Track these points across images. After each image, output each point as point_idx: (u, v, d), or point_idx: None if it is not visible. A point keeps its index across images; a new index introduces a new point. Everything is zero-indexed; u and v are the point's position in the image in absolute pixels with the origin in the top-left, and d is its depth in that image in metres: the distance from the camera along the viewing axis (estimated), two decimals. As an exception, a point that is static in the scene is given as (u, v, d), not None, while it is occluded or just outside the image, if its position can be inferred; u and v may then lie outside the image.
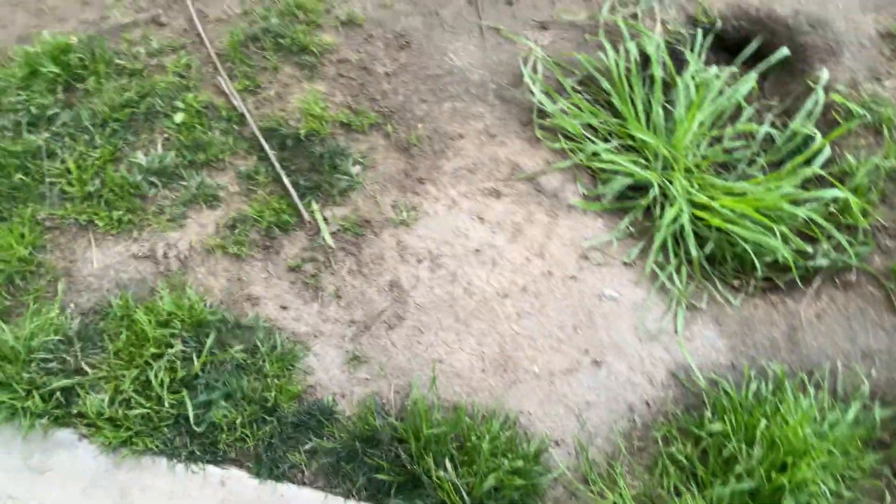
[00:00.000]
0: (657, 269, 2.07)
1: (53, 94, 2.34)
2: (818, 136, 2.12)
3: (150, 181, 2.23)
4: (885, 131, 2.19)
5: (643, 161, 2.23)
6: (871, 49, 2.34)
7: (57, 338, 1.92)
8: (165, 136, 2.30)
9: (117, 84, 2.36)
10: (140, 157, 2.26)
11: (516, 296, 2.06)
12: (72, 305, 2.03)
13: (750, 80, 2.28)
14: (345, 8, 2.46)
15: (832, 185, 2.08)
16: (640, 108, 2.28)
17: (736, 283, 2.10)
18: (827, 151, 2.12)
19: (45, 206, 2.16)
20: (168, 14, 2.47)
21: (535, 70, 2.35)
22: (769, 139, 2.31)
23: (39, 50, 2.36)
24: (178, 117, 2.31)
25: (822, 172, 2.10)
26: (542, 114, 2.31)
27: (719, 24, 2.43)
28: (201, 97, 2.33)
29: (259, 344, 1.94)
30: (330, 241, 2.15)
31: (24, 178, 2.18)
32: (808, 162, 2.16)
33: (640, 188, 2.23)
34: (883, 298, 2.05)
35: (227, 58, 2.39)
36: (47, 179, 2.20)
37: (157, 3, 2.49)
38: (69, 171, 2.20)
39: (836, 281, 2.08)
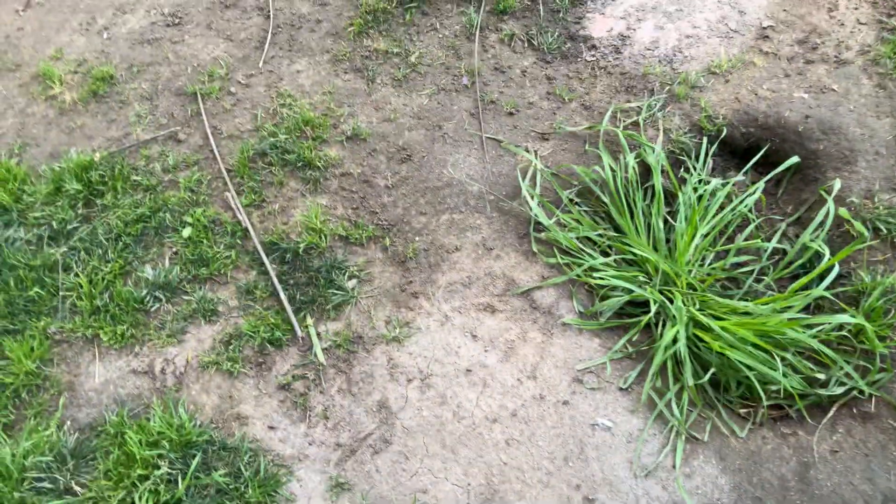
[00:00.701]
0: (655, 396, 1.97)
1: (74, 209, 2.47)
2: (827, 253, 2.00)
3: (154, 295, 2.30)
4: (904, 248, 2.05)
5: (643, 276, 2.16)
6: (888, 157, 2.22)
7: (50, 456, 1.97)
8: (173, 250, 2.39)
9: (133, 199, 2.47)
10: (148, 272, 2.34)
11: (506, 421, 1.99)
12: (69, 422, 2.08)
13: (756, 191, 2.19)
14: (351, 123, 2.53)
15: (844, 308, 1.94)
16: (640, 221, 2.22)
17: (743, 411, 1.97)
18: (836, 270, 1.99)
19: (56, 320, 2.26)
20: (185, 130, 2.60)
21: (533, 182, 2.34)
22: (782, 252, 2.20)
23: (65, 167, 2.51)
24: (186, 232, 2.39)
25: (828, 294, 1.97)
26: (539, 226, 2.28)
27: (725, 131, 2.36)
28: (209, 212, 2.41)
29: (243, 468, 1.93)
30: (322, 357, 2.15)
31: (40, 291, 2.29)
32: (821, 278, 2.03)
33: (640, 304, 2.15)
34: (906, 433, 1.87)
35: (236, 173, 2.47)
36: (60, 293, 2.30)
37: (177, 119, 2.62)
38: (81, 286, 2.30)
39: (854, 411, 1.92)
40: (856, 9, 2.66)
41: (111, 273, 2.33)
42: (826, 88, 2.42)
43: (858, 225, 2.05)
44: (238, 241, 2.37)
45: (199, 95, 2.64)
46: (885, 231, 2.09)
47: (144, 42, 2.81)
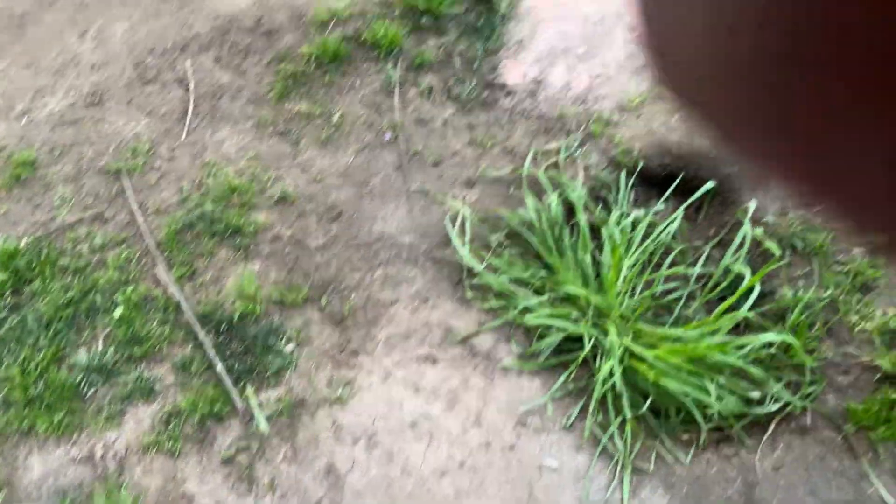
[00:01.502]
0: (598, 431, 1.98)
1: (2, 298, 2.41)
2: (748, 274, 2.06)
3: (90, 380, 2.24)
4: (817, 260, 2.13)
5: (577, 313, 2.19)
6: (796, 175, 2.32)
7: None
8: (106, 331, 2.34)
9: (62, 283, 2.42)
10: (82, 356, 2.28)
11: (454, 472, 1.97)
12: (3, 523, 2.00)
13: (676, 219, 2.26)
14: (278, 186, 2.54)
15: (770, 326, 2.00)
16: (569, 258, 2.26)
17: (685, 437, 1.99)
18: (757, 290, 2.05)
19: (-14, 417, 2.18)
20: (111, 209, 2.57)
21: (462, 229, 2.37)
22: (708, 276, 2.26)
23: (-11, 258, 2.46)
24: (118, 312, 2.35)
25: (753, 314, 2.02)
26: (472, 273, 2.30)
27: (642, 163, 2.44)
28: (140, 289, 2.38)
29: (187, 552, 1.87)
30: (264, 427, 2.11)
31: (-33, 389, 2.22)
32: (746, 298, 2.09)
33: (576, 340, 2.18)
34: (841, 442, 1.92)
35: (165, 247, 2.45)
36: (-10, 388, 2.23)
37: (102, 199, 2.60)
38: (14, 377, 2.23)
39: (792, 426, 1.96)
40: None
41: (44, 361, 2.27)
42: (733, 114, 2.53)
43: (770, 244, 2.13)
44: (171, 315, 2.34)
45: (123, 173, 2.63)
46: (801, 246, 2.17)
47: (65, 123, 2.80)
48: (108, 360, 2.26)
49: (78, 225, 2.55)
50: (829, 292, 2.08)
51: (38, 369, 2.27)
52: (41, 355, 2.29)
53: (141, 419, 2.17)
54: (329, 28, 2.88)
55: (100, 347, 2.30)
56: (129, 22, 3.09)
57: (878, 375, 1.99)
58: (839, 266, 2.15)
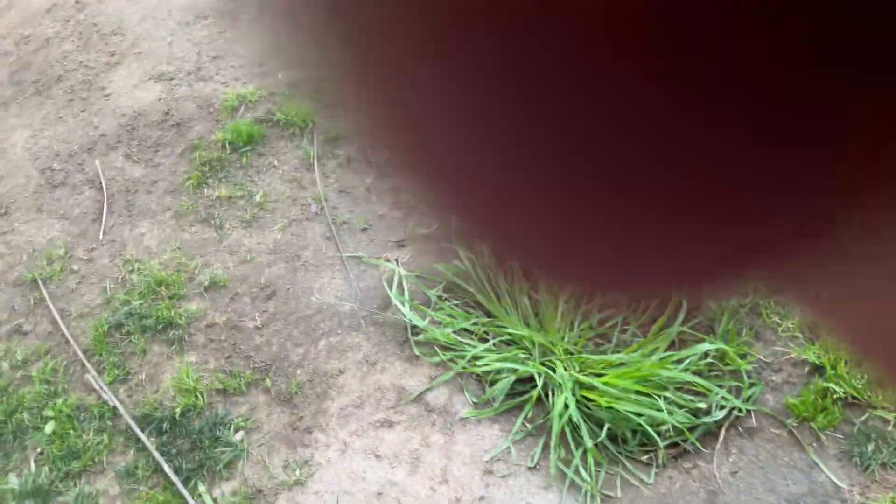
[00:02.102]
0: (562, 467, 2.00)
1: (-86, 434, 2.22)
2: (675, 292, 2.18)
3: (23, 506, 2.08)
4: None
5: (523, 353, 2.23)
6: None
7: None
8: (38, 450, 2.19)
9: (-18, 407, 2.26)
10: (12, 482, 2.12)
11: (427, 534, 1.94)
12: None
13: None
14: (207, 273, 2.50)
15: (703, 338, 2.11)
16: (507, 302, 2.32)
17: (645, 458, 2.04)
18: (685, 305, 2.17)
19: None
20: (30, 321, 2.45)
21: (401, 288, 2.40)
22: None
23: None
24: (49, 427, 2.21)
25: (686, 329, 2.13)
26: (417, 330, 2.32)
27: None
28: (71, 400, 2.25)
29: None
30: (223, 523, 2.01)
31: None
32: (675, 315, 2.20)
33: (527, 380, 2.22)
34: (787, 436, 2.02)
35: (94, 352, 2.35)
36: None
37: (19, 311, 2.47)
38: (-66, 518, 2.04)
39: (740, 430, 2.05)
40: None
41: (-33, 495, 2.09)
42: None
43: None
44: (108, 422, 2.22)
45: (39, 281, 2.52)
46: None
47: (-30, 240, 2.67)
48: (44, 481, 2.11)
49: (-6, 343, 2.41)
50: (749, 299, 2.21)
51: (-37, 504, 2.09)
52: (-35, 489, 2.11)
53: (86, 539, 2.03)
54: (240, 112, 2.92)
55: (32, 469, 2.15)
56: (30, 130, 3.02)
57: (808, 368, 2.12)
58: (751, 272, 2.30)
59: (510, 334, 2.27)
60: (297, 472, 2.08)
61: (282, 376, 2.28)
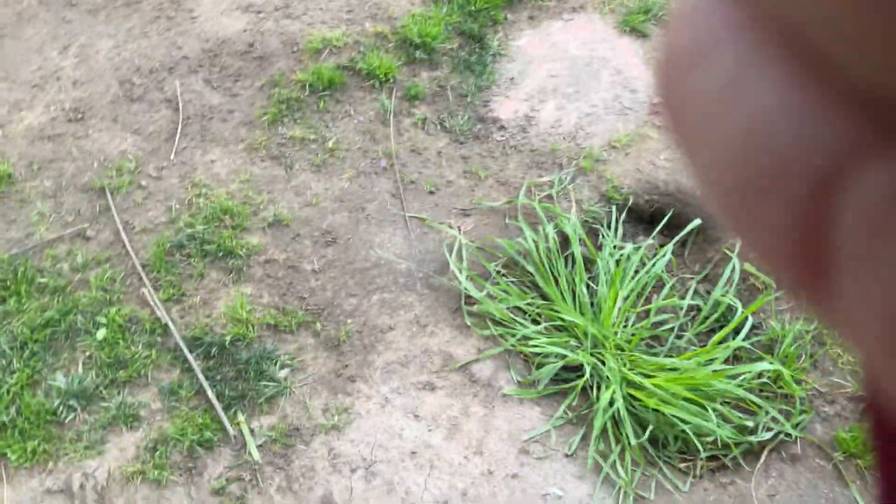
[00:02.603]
0: (600, 459, 2.00)
1: (-29, 318, 2.28)
2: (739, 306, 2.15)
3: (68, 405, 2.13)
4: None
5: (574, 341, 2.22)
6: (778, 214, 2.44)
7: None
8: (87, 354, 2.23)
9: (39, 303, 2.31)
10: (59, 380, 2.17)
11: (456, 502, 1.95)
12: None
13: (667, 254, 2.34)
14: (271, 209, 2.51)
15: (762, 356, 2.08)
16: (565, 287, 2.30)
17: (682, 465, 2.03)
18: (750, 321, 2.14)
19: (-48, 444, 2.04)
20: (94, 227, 2.48)
21: (460, 257, 2.39)
22: (697, 308, 2.34)
23: (-42, 275, 2.33)
24: (100, 334, 2.25)
25: (746, 344, 2.10)
26: (470, 300, 2.31)
27: (631, 199, 2.52)
28: (124, 311, 2.29)
29: (178, 586, 1.78)
30: (257, 455, 2.04)
31: (-69, 413, 2.07)
32: (735, 331, 2.17)
33: (574, 368, 2.21)
34: (831, 470, 1.99)
35: (152, 268, 2.38)
36: (-43, 413, 2.08)
37: (84, 216, 2.51)
38: (-19, 401, 2.10)
39: (783, 454, 2.03)
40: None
41: (17, 384, 2.14)
42: (715, 156, 2.66)
43: (764, 277, 2.23)
44: (158, 338, 2.25)
45: (107, 190, 2.55)
46: (784, 281, 2.28)
47: (45, 138, 2.71)
48: (89, 385, 2.16)
49: (57, 242, 2.45)
50: (814, 325, 2.18)
51: (11, 393, 2.14)
52: (14, 378, 2.16)
53: (124, 447, 2.07)
54: (323, 56, 2.90)
55: (80, 371, 2.19)
56: (114, 40, 3.03)
57: (863, 406, 2.08)
58: (821, 301, 2.26)
59: (563, 320, 2.26)
60: (336, 418, 2.10)
61: (332, 322, 2.30)
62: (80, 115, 2.77)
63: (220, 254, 2.40)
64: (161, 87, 2.87)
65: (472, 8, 3.11)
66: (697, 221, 2.45)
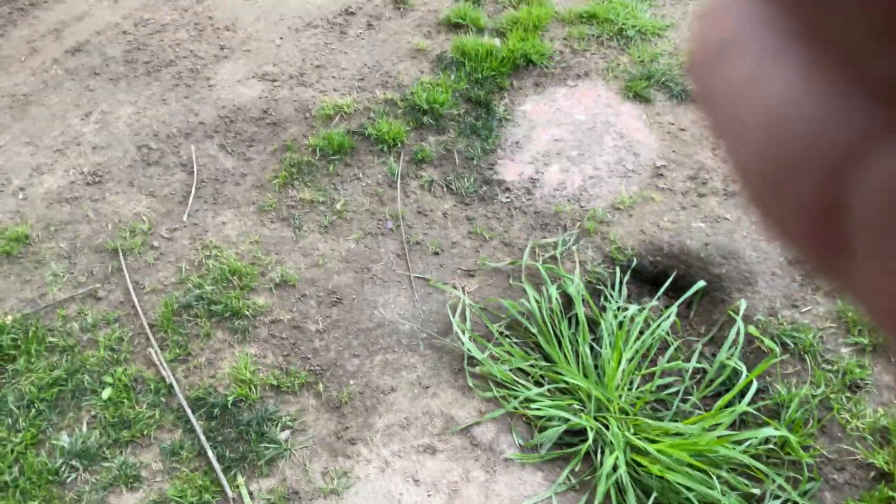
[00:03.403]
0: (602, 527, 1.95)
1: (-19, 376, 2.31)
2: (744, 370, 2.12)
3: (71, 465, 2.14)
4: (808, 359, 2.21)
5: (577, 404, 2.20)
6: (784, 277, 2.44)
7: None
8: (92, 413, 2.25)
9: (48, 362, 2.35)
10: (63, 439, 2.18)
11: (455, 569, 1.91)
12: None
13: (671, 315, 2.33)
14: (279, 270, 2.55)
15: (767, 422, 2.04)
16: (568, 349, 2.30)
17: (688, 533, 1.97)
18: (755, 385, 2.11)
19: (-47, 504, 2.04)
20: (105, 287, 2.54)
21: (463, 317, 2.40)
22: (702, 371, 2.31)
23: (-28, 334, 2.38)
24: (106, 393, 2.28)
25: (751, 409, 2.07)
26: (473, 361, 2.31)
27: (635, 261, 2.53)
28: (130, 370, 2.32)
29: None
30: (255, 519, 2.02)
31: (-64, 472, 2.09)
32: (741, 395, 2.14)
33: (577, 432, 2.18)
34: (843, 541, 1.92)
35: (159, 328, 2.41)
36: (-39, 472, 2.10)
37: (96, 277, 2.57)
38: (-14, 460, 2.11)
39: (792, 523, 1.96)
40: (732, 147, 3.00)
41: (21, 444, 2.16)
42: (720, 218, 2.67)
43: (768, 341, 2.21)
44: (162, 398, 2.27)
45: (119, 251, 2.61)
46: (791, 345, 2.25)
47: (62, 201, 2.80)
48: (92, 445, 2.17)
49: (69, 302, 2.51)
50: (821, 390, 2.14)
51: (15, 452, 2.16)
52: (19, 437, 2.18)
53: (123, 508, 2.06)
54: (334, 122, 3.00)
55: (84, 430, 2.21)
56: (135, 107, 3.16)
57: (873, 473, 2.03)
58: (828, 364, 2.23)
59: (566, 382, 2.24)
60: (335, 482, 2.08)
61: (335, 383, 2.30)
62: (97, 178, 2.87)
63: (227, 314, 2.43)
64: (177, 152, 2.97)
65: (479, 76, 3.21)
66: (702, 283, 2.45)
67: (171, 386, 2.28)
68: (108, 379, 2.31)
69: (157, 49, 3.47)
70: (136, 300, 2.48)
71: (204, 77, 3.28)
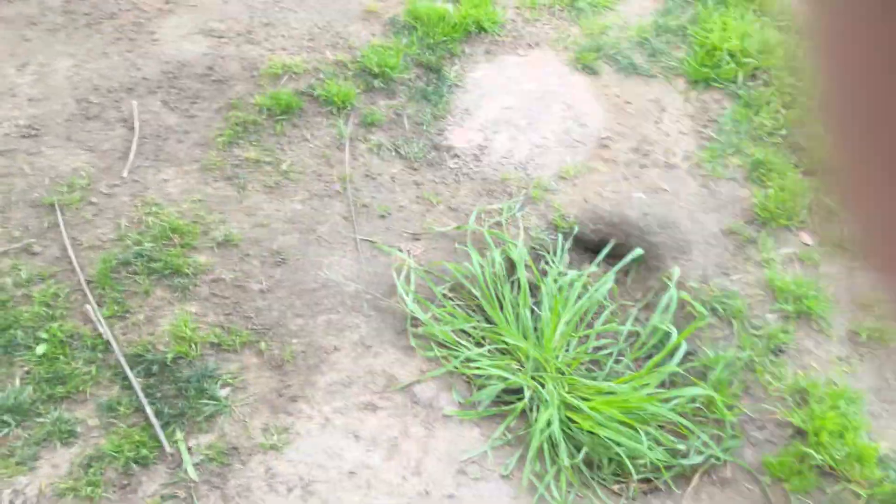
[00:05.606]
0: (535, 480, 2.02)
1: None
2: (674, 332, 2.21)
3: (2, 420, 2.09)
4: (736, 324, 2.31)
5: (516, 364, 2.26)
6: (717, 247, 2.53)
7: None
8: (25, 369, 2.20)
9: (-22, 317, 2.28)
10: (-6, 394, 2.14)
11: (392, 521, 1.95)
12: None
13: (608, 281, 2.41)
14: (222, 229, 2.52)
15: (695, 382, 2.14)
16: (509, 312, 2.35)
17: (615, 487, 2.06)
18: (684, 347, 2.20)
19: None
20: (41, 243, 2.47)
21: (408, 280, 2.42)
22: (636, 334, 2.40)
23: None
24: (41, 349, 2.23)
25: (680, 370, 2.16)
26: (416, 322, 2.34)
27: (577, 228, 2.60)
28: (66, 326, 2.27)
29: None
30: (193, 474, 2.02)
31: None
32: (671, 357, 2.23)
33: (515, 391, 2.24)
34: (760, 494, 2.04)
35: (97, 284, 2.37)
36: None
37: (31, 232, 2.49)
38: (-89, 416, 2.05)
39: (713, 478, 2.07)
40: (677, 121, 3.09)
41: (-52, 399, 2.10)
42: (659, 189, 2.75)
43: (699, 306, 2.30)
44: (99, 354, 2.23)
45: (56, 206, 2.54)
46: (721, 311, 2.36)
47: (-4, 153, 2.70)
48: (25, 400, 2.12)
49: (2, 257, 2.43)
50: (746, 353, 2.25)
51: (-58, 408, 2.10)
52: (-53, 393, 2.12)
53: (57, 464, 2.03)
54: (282, 81, 2.96)
55: (17, 386, 2.16)
56: (74, 60, 3.06)
57: (791, 431, 2.15)
58: (755, 330, 2.34)
59: (506, 343, 2.30)
60: (276, 438, 2.10)
61: (277, 342, 2.30)
62: (34, 131, 2.78)
63: (167, 272, 2.40)
64: (118, 107, 2.89)
65: (431, 41, 3.20)
66: (639, 251, 2.53)
67: (108, 342, 2.25)
68: (43, 335, 2.26)
69: (99, 0, 3.35)
70: (73, 256, 2.42)
71: (147, 31, 3.19)
